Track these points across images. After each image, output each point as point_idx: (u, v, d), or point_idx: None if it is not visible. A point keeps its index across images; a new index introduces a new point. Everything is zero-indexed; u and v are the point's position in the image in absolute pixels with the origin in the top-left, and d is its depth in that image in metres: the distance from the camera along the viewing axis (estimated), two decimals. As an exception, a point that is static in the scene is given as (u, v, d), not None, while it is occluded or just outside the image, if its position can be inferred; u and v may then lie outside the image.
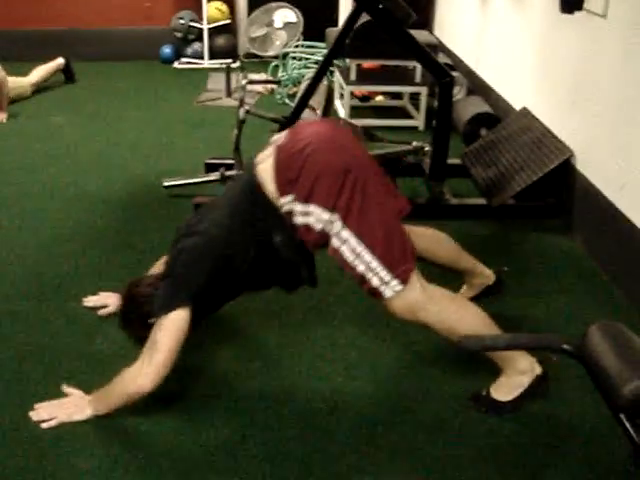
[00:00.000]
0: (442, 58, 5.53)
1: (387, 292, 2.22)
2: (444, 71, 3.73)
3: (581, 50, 3.57)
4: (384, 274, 2.20)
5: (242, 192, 2.38)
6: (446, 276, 2.80)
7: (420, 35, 4.49)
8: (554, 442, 2.23)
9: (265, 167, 2.32)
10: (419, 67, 5.10)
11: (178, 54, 7.26)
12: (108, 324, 2.77)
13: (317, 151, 2.23)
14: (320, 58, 5.89)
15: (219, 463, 2.13)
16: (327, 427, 2.27)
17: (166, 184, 4.02)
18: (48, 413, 2.29)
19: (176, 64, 7.18)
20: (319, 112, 4.98)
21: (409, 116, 5.40)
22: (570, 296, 3.05)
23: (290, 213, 2.25)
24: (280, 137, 2.40)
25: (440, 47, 5.80)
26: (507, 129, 4.26)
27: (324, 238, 2.24)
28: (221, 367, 2.58)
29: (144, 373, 2.20)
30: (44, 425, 2.25)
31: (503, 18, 4.91)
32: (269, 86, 6.09)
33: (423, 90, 5.16)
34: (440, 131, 3.83)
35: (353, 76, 5.15)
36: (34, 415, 2.29)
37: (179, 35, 7.17)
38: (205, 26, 6.99)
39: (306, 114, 4.31)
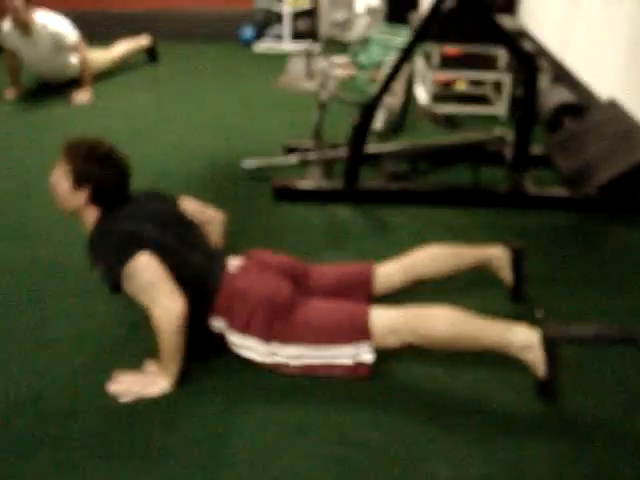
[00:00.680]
0: (527, 45, 5.42)
1: (367, 358, 2.36)
2: (530, 58, 3.66)
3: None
4: (351, 351, 2.35)
5: (209, 259, 2.55)
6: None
7: (505, 21, 4.41)
8: (629, 435, 2.17)
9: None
10: (503, 54, 5.00)
11: (259, 36, 7.28)
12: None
13: (255, 290, 2.41)
14: (401, 42, 5.84)
15: (293, 443, 2.13)
16: (401, 412, 2.26)
17: (245, 166, 4.04)
18: (125, 387, 2.34)
19: (256, 47, 7.21)
20: (401, 98, 4.95)
21: (491, 104, 5.31)
22: (654, 292, 2.97)
23: (222, 332, 2.46)
24: (235, 264, 2.57)
25: (525, 34, 5.68)
26: (593, 119, 4.15)
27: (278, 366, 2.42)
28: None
29: (164, 307, 2.27)
30: (121, 399, 2.30)
31: (592, 5, 4.78)
32: (350, 70, 6.06)
33: (506, 78, 5.06)
34: (524, 120, 3.77)
35: (436, 62, 5.09)
36: (112, 387, 2.34)
37: (260, 17, 7.19)
38: (286, 9, 6.99)
39: (387, 99, 4.28)
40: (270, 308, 2.37)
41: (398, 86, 4.93)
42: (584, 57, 4.95)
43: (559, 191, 3.78)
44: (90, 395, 2.32)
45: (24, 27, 5.19)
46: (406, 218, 3.57)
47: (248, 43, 7.26)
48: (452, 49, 5.33)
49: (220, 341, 2.48)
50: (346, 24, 7.10)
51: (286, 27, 7.08)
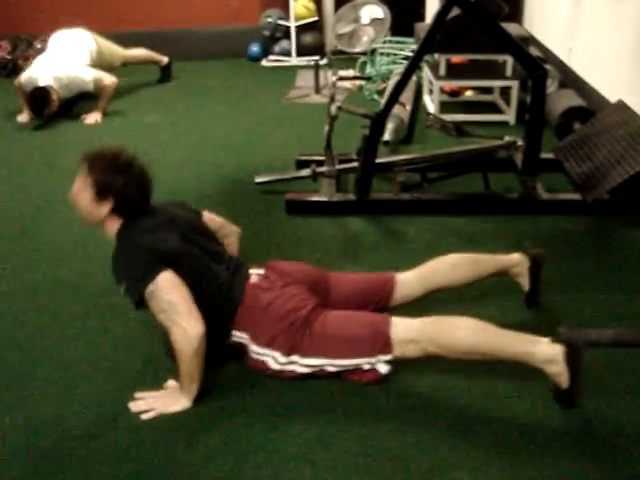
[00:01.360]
0: (533, 51, 5.43)
1: (382, 369, 2.39)
2: (537, 64, 3.67)
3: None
4: (371, 361, 2.37)
5: (228, 270, 2.56)
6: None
7: (511, 28, 4.42)
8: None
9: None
10: (510, 61, 5.02)
11: (266, 52, 7.32)
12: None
13: (270, 304, 2.43)
14: (408, 53, 5.87)
15: (315, 456, 2.14)
16: (421, 422, 2.26)
17: (257, 180, 4.07)
18: (147, 404, 2.36)
19: (264, 62, 7.25)
20: (409, 108, 4.97)
21: (499, 111, 5.32)
22: (669, 293, 2.97)
23: (242, 343, 2.48)
24: (257, 272, 2.60)
25: (531, 40, 5.70)
26: (602, 122, 4.15)
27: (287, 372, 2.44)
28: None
29: (183, 327, 2.28)
30: (143, 416, 2.31)
31: (597, 8, 4.79)
32: (357, 82, 6.09)
33: (514, 84, 5.07)
34: (533, 125, 3.77)
35: (442, 71, 5.11)
36: (133, 406, 2.36)
37: (267, 33, 7.24)
38: (292, 24, 7.03)
39: (396, 110, 4.30)
40: (293, 323, 2.39)
41: (406, 96, 4.96)
42: (591, 61, 4.96)
43: (571, 195, 3.78)
44: (112, 415, 2.34)
45: None
46: (419, 228, 3.58)
47: (256, 59, 7.31)
48: (459, 58, 5.35)
49: (239, 349, 2.50)
50: (352, 37, 7.13)
51: (293, 41, 7.12)
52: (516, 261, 2.79)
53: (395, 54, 6.11)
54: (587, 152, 3.99)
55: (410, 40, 6.14)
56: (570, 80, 5.25)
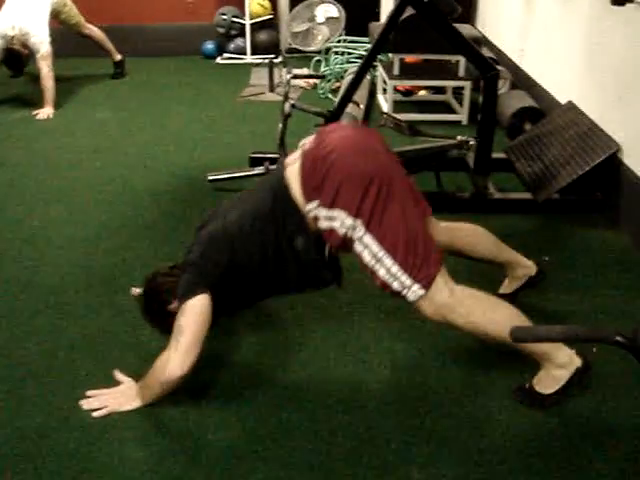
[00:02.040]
0: (486, 52, 5.50)
1: (410, 296, 2.24)
2: (489, 65, 3.71)
3: (629, 43, 3.53)
4: (404, 279, 2.22)
5: (269, 192, 2.39)
6: (485, 272, 2.81)
7: (464, 29, 4.47)
8: (600, 436, 2.21)
9: (292, 170, 2.34)
10: (462, 61, 5.07)
11: (221, 50, 7.30)
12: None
13: (342, 157, 2.24)
14: (363, 53, 5.90)
15: (266, 452, 2.14)
16: (374, 418, 2.28)
17: (211, 178, 4.06)
18: (99, 402, 2.33)
19: (219, 60, 7.23)
20: (362, 107, 4.99)
21: (452, 110, 5.38)
22: (617, 291, 3.02)
23: (315, 218, 2.28)
24: (307, 141, 2.43)
25: (483, 41, 5.76)
26: (552, 123, 4.22)
27: (347, 242, 2.25)
28: (267, 359, 2.60)
29: (171, 359, 2.24)
30: (95, 414, 2.29)
31: (548, 10, 4.86)
32: (312, 81, 6.11)
33: (467, 84, 5.13)
34: (485, 125, 3.82)
35: (396, 70, 5.14)
36: (85, 403, 2.34)
37: (222, 31, 7.22)
38: (247, 21, 7.03)
39: (349, 109, 4.32)
40: (362, 181, 2.20)
41: (360, 95, 4.98)
42: (542, 62, 5.04)
43: (521, 195, 3.84)
44: (63, 413, 2.31)
45: None
46: (372, 226, 3.59)
47: (211, 56, 7.29)
48: (413, 57, 5.39)
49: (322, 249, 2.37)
50: (307, 35, 7.13)
51: (248, 39, 7.11)
52: (528, 265, 2.84)
53: (349, 53, 6.14)
54: (537, 152, 4.06)
55: (365, 39, 6.17)
56: (522, 81, 5.33)
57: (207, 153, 4.64)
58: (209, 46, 7.30)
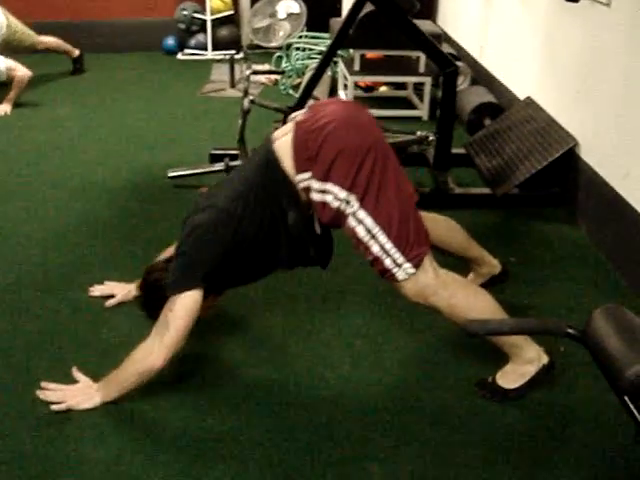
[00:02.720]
0: (446, 48, 5.52)
1: (400, 274, 2.22)
2: (448, 61, 3.73)
3: (586, 39, 3.57)
4: (397, 256, 2.20)
5: (258, 167, 2.35)
6: (454, 264, 2.83)
7: (424, 25, 4.48)
8: (558, 428, 2.24)
9: (283, 143, 2.30)
10: (423, 57, 5.09)
11: (181, 45, 7.25)
12: (114, 313, 2.79)
13: (337, 129, 2.20)
14: (324, 49, 5.89)
15: (225, 450, 2.14)
16: (333, 414, 2.29)
17: (171, 174, 4.03)
18: (57, 397, 2.31)
19: (179, 55, 7.18)
20: (323, 102, 4.99)
21: (413, 106, 5.39)
22: (574, 284, 3.06)
23: (307, 190, 2.24)
24: (300, 113, 2.39)
25: (444, 37, 5.79)
26: (511, 118, 4.26)
27: (340, 217, 2.22)
28: (227, 355, 2.59)
29: (156, 352, 2.22)
30: (54, 407, 2.27)
31: (507, 7, 4.90)
32: (273, 77, 6.09)
33: (427, 80, 5.15)
34: (444, 121, 3.84)
35: (357, 66, 5.15)
36: (41, 394, 2.31)
37: (182, 26, 7.17)
38: (208, 17, 6.99)
39: (310, 104, 4.31)
40: (360, 152, 2.18)
41: (321, 91, 4.98)
42: (501, 58, 5.08)
43: (481, 190, 3.87)
44: (20, 413, 2.28)
45: None
46: (333, 222, 3.60)
47: (171, 52, 7.24)
48: (373, 53, 5.40)
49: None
50: (268, 31, 7.13)
51: (209, 35, 7.07)
52: (493, 264, 2.88)
53: (311, 49, 6.13)
54: (497, 147, 4.09)
55: (326, 35, 6.17)
56: (481, 77, 5.37)
57: (167, 150, 4.61)
58: (170, 42, 7.25)
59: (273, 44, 7.05)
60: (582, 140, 3.59)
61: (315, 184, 2.21)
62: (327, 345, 2.63)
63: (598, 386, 2.36)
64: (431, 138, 3.94)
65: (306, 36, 6.40)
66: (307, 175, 2.22)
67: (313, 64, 5.67)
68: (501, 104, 4.71)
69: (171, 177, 4.03)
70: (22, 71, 5.46)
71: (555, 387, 2.41)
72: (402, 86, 5.65)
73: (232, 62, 5.96)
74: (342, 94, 5.57)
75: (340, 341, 2.66)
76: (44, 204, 3.79)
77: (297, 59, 6.03)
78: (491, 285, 2.87)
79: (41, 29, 6.50)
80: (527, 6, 4.46)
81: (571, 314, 2.83)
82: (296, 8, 7.03)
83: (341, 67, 5.58)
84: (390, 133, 4.07)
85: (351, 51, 5.28)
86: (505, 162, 3.90)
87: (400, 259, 2.20)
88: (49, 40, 6.25)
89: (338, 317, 2.80)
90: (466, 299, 2.28)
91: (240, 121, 3.86)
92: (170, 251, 2.58)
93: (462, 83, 5.21)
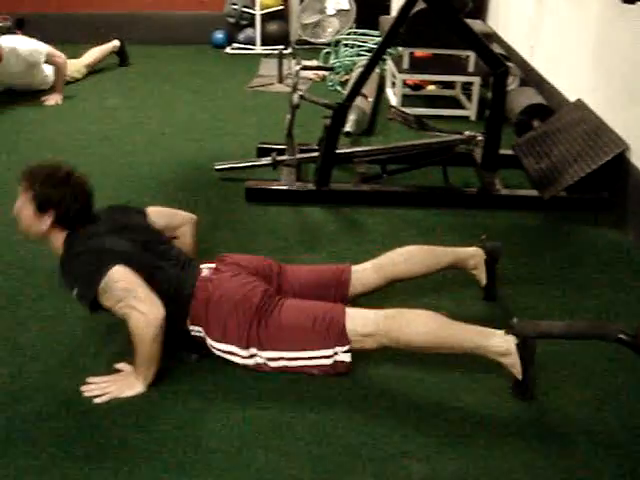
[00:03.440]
0: (496, 48, 5.48)
1: (345, 358, 2.38)
2: (499, 61, 3.71)
3: (638, 42, 3.52)
4: (326, 352, 2.37)
5: (177, 267, 2.54)
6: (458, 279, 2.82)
7: (475, 24, 4.45)
8: (605, 434, 2.21)
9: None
10: (472, 56, 5.06)
11: (230, 39, 7.29)
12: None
13: (228, 296, 2.41)
14: (372, 46, 5.89)
15: (267, 441, 2.15)
16: (375, 411, 2.28)
17: (217, 167, 4.06)
18: (100, 389, 2.34)
19: (228, 49, 7.22)
20: (371, 100, 4.99)
21: (461, 106, 5.36)
22: (621, 290, 3.02)
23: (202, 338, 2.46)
24: (208, 266, 2.58)
25: (494, 37, 5.75)
26: (561, 120, 4.21)
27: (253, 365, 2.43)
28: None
29: (141, 313, 2.28)
30: (97, 400, 2.30)
31: (559, 8, 4.84)
32: (321, 73, 6.09)
33: (476, 80, 5.12)
34: (493, 121, 3.82)
35: (406, 64, 5.13)
36: (86, 390, 2.34)
37: (232, 20, 7.21)
38: (258, 12, 7.01)
39: (358, 101, 4.31)
40: (245, 313, 2.38)
41: (369, 88, 4.97)
42: (552, 59, 5.02)
43: (528, 191, 3.83)
44: (65, 397, 2.32)
45: None
46: (378, 219, 3.60)
47: (220, 46, 7.28)
48: (422, 52, 5.38)
49: (202, 343, 2.49)
50: (317, 27, 7.13)
51: (258, 30, 7.10)
52: (472, 254, 2.82)
53: (359, 46, 6.13)
54: (545, 149, 4.05)
55: (374, 32, 6.16)
56: (531, 78, 5.31)
57: (214, 142, 4.64)
58: (219, 35, 7.29)
59: (321, 40, 7.06)
60: (633, 144, 3.54)
61: (212, 342, 2.43)
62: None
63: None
64: (479, 138, 3.91)
65: (355, 33, 6.40)
66: (200, 330, 2.46)
67: (361, 61, 5.66)
68: (550, 106, 4.66)
69: (218, 169, 4.05)
70: (61, 57, 5.52)
71: (602, 392, 2.38)
72: (450, 85, 5.62)
73: (280, 57, 5.96)
74: (390, 92, 5.55)
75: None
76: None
77: (345, 56, 6.03)
78: (493, 266, 2.83)
79: (91, 22, 6.59)
80: (579, 7, 4.40)
81: (617, 319, 2.79)
82: (345, 5, 7.02)
83: (390, 65, 5.56)
84: (438, 132, 4.06)
85: (400, 49, 5.26)
86: (553, 164, 3.86)
87: (329, 352, 2.37)
88: (92, 58, 6.23)
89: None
90: (404, 329, 2.33)
91: (289, 116, 3.87)
92: None
93: (511, 84, 5.16)
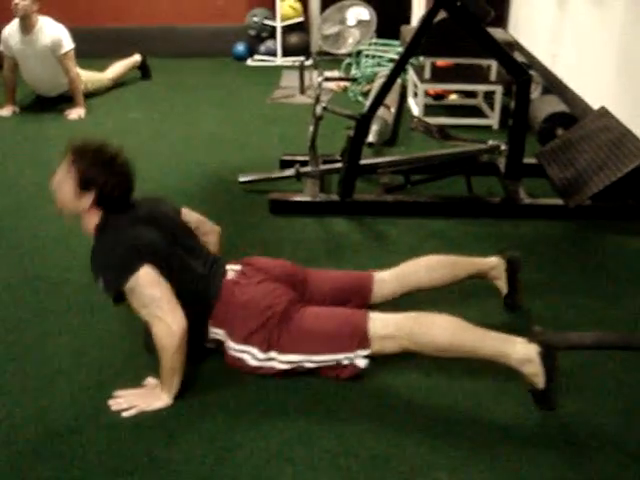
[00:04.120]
0: (518, 56, 5.46)
1: (361, 364, 2.39)
2: (522, 69, 3.70)
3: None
4: (349, 357, 2.38)
5: (205, 266, 2.56)
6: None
7: (496, 33, 4.44)
8: (632, 442, 2.19)
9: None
10: (494, 65, 5.05)
11: (251, 51, 7.33)
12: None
13: (248, 302, 2.43)
14: (393, 56, 5.89)
15: (294, 453, 2.15)
16: (402, 422, 2.27)
17: (241, 179, 4.07)
18: (127, 402, 2.34)
19: (249, 61, 7.25)
20: (393, 110, 4.99)
21: (483, 115, 5.35)
22: (649, 299, 2.99)
23: (220, 340, 2.49)
24: (234, 268, 2.61)
25: (516, 45, 5.73)
26: (584, 128, 4.19)
27: (265, 369, 2.44)
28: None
29: (165, 324, 2.28)
30: (124, 414, 2.30)
31: (581, 15, 4.82)
32: (342, 84, 6.10)
33: (498, 89, 5.10)
34: (516, 130, 3.80)
35: (427, 74, 5.13)
36: (113, 404, 2.35)
37: (252, 33, 7.24)
38: (278, 24, 7.04)
39: (380, 112, 4.31)
40: (270, 319, 2.39)
41: (391, 99, 4.97)
42: (574, 67, 5.00)
43: (552, 200, 3.81)
44: (93, 411, 2.33)
45: (27, 23, 5.30)
46: (402, 230, 3.59)
47: (241, 58, 7.31)
48: (444, 61, 5.37)
49: (218, 346, 2.51)
50: (338, 38, 7.15)
51: (278, 42, 7.12)
52: (493, 264, 2.82)
53: (380, 56, 6.13)
54: (569, 158, 4.03)
55: (395, 42, 6.17)
56: (554, 86, 5.29)
57: (237, 154, 4.65)
58: (240, 48, 7.33)
59: (342, 51, 7.07)
60: (659, 152, 3.51)
61: (230, 343, 2.45)
62: (396, 354, 2.62)
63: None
64: (503, 147, 3.90)
65: (376, 43, 6.40)
66: (221, 332, 2.48)
67: (383, 71, 5.67)
68: (574, 114, 4.64)
69: (242, 182, 4.06)
70: (74, 69, 5.59)
71: (633, 403, 2.35)
72: (472, 94, 5.61)
73: (302, 68, 5.99)
74: (412, 102, 5.55)
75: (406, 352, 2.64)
76: (117, 206, 3.86)
77: (367, 66, 6.04)
78: (514, 276, 2.82)
79: (112, 35, 6.63)
80: (602, 14, 4.38)
81: (646, 329, 2.77)
82: (366, 15, 7.03)
83: (411, 74, 5.56)
84: (461, 142, 4.05)
85: (421, 59, 5.26)
86: (578, 173, 3.83)
87: (349, 357, 2.38)
88: (115, 72, 6.27)
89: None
90: (426, 330, 2.33)
91: (312, 127, 3.88)
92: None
93: (534, 92, 5.14)
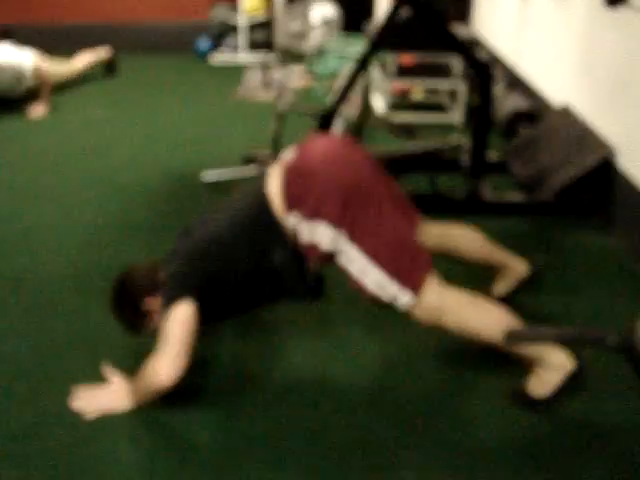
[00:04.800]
0: (481, 53, 5.49)
1: (401, 306, 2.28)
2: (484, 66, 3.71)
3: (624, 47, 3.53)
4: (394, 289, 2.25)
5: (249, 203, 2.40)
6: (476, 274, 2.81)
7: (459, 29, 4.46)
8: (591, 440, 2.20)
9: (273, 182, 2.35)
10: (458, 63, 5.07)
11: (215, 48, 7.29)
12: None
13: (323, 169, 2.26)
14: (357, 52, 5.89)
15: (258, 455, 2.13)
16: (366, 420, 2.27)
17: (205, 177, 4.04)
18: (87, 402, 2.31)
19: (212, 58, 7.21)
20: (357, 107, 4.98)
21: (447, 112, 5.37)
22: (608, 294, 3.02)
23: (295, 230, 2.31)
24: (289, 153, 2.44)
25: (479, 42, 5.76)
26: (547, 126, 4.22)
27: (330, 255, 2.29)
28: (256, 360, 2.59)
29: (161, 366, 2.20)
30: (86, 418, 2.27)
31: (544, 13, 4.86)
32: (306, 81, 6.09)
33: (462, 86, 5.12)
34: (479, 127, 3.81)
35: (391, 71, 5.13)
36: (74, 406, 2.31)
37: (216, 29, 7.20)
38: (242, 20, 7.01)
39: (344, 109, 4.30)
40: (348, 189, 2.24)
41: (355, 96, 4.97)
42: (537, 64, 5.03)
43: (515, 197, 3.84)
44: (52, 412, 2.30)
45: None
46: (366, 227, 3.58)
47: (204, 55, 7.27)
48: (408, 58, 5.38)
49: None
50: (302, 35, 7.13)
51: (242, 38, 7.09)
52: (519, 268, 2.83)
53: (344, 53, 6.13)
54: (532, 154, 4.05)
55: (359, 39, 6.17)
56: (517, 83, 5.32)
57: (201, 152, 4.62)
58: (203, 44, 7.28)
59: (307, 48, 7.06)
60: (619, 149, 3.55)
61: (303, 224, 2.27)
62: (361, 351, 2.62)
63: (633, 397, 2.33)
64: (465, 144, 3.91)
65: (340, 39, 6.39)
66: (295, 216, 2.29)
67: (347, 68, 5.66)
68: (537, 111, 4.67)
69: (205, 180, 4.04)
70: (47, 69, 5.51)
71: (589, 397, 2.37)
72: (437, 92, 5.62)
73: (266, 66, 5.97)
74: (376, 99, 5.55)
75: (374, 347, 2.64)
76: (79, 205, 3.82)
77: (331, 63, 6.03)
78: (523, 289, 2.84)
79: (76, 32, 6.57)
80: (565, 12, 4.42)
81: (606, 323, 2.79)
82: (330, 12, 7.03)
83: (376, 72, 5.56)
84: (424, 139, 4.06)
85: (386, 56, 5.27)
86: (541, 169, 3.86)
87: (398, 291, 2.26)
88: (81, 63, 6.22)
89: (367, 324, 2.79)
90: (476, 317, 2.29)
91: (275, 125, 3.86)
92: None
93: (497, 89, 5.17)
